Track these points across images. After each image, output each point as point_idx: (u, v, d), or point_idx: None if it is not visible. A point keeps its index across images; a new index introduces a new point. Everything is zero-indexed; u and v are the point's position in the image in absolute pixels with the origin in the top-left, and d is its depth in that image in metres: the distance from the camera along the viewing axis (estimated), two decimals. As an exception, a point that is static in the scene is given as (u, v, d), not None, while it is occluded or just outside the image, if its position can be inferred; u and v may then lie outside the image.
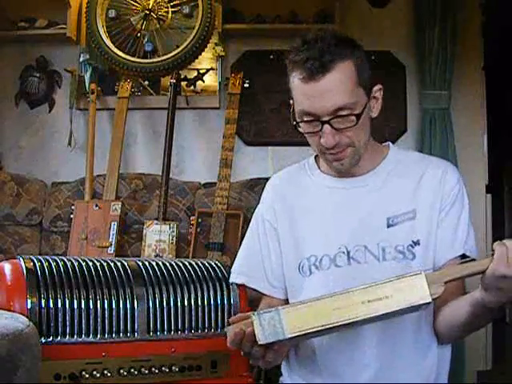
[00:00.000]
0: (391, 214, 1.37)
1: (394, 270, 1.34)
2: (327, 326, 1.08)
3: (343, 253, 1.38)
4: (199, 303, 1.54)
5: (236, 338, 1.17)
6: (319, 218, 1.43)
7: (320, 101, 1.30)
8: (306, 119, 1.34)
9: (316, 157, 1.53)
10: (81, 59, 3.44)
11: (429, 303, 1.09)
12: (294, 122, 1.38)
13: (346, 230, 1.39)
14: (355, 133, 1.33)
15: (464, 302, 1.25)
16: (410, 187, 1.40)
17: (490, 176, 3.51)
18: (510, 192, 5.17)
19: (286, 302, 1.49)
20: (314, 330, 1.08)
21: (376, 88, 1.40)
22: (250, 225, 1.57)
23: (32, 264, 1.46)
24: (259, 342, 1.09)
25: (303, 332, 1.08)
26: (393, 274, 1.33)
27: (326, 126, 1.31)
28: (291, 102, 1.43)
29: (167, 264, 1.61)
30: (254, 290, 1.52)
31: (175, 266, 1.60)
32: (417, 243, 1.36)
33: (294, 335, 1.08)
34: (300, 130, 1.38)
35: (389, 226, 1.36)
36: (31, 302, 1.39)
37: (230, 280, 1.56)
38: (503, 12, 3.42)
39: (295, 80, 1.35)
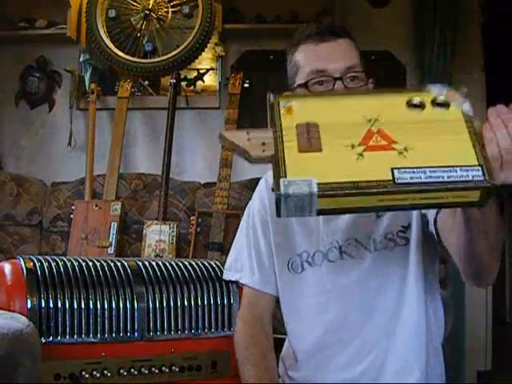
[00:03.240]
0: None
1: (387, 258, 1.35)
2: (366, 210, 0.95)
3: (335, 247, 1.39)
4: (199, 303, 1.54)
5: None
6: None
7: (332, 58, 1.33)
8: (317, 79, 1.34)
9: None
10: (81, 59, 3.44)
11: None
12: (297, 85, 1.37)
13: (338, 227, 1.40)
14: None
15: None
16: None
17: (490, 176, 3.50)
18: (510, 192, 5.17)
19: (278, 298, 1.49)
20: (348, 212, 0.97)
21: (370, 81, 1.41)
22: (242, 220, 1.57)
23: (32, 264, 1.46)
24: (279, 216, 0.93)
25: (335, 212, 0.96)
26: (385, 263, 1.35)
27: (338, 82, 1.31)
28: (288, 94, 1.41)
29: (167, 264, 1.61)
30: (245, 285, 1.52)
31: (175, 266, 1.60)
32: (408, 227, 1.36)
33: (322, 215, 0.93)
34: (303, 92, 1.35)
35: (378, 216, 1.36)
36: (31, 302, 1.39)
37: (224, 277, 1.56)
38: (503, 12, 3.42)
39: (304, 48, 1.38)
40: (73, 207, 3.13)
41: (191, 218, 3.18)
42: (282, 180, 0.86)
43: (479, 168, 0.88)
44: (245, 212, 1.57)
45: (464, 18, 3.43)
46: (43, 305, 1.40)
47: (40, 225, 3.33)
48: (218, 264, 1.64)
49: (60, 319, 1.41)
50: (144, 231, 3.05)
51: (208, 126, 3.57)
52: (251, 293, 1.50)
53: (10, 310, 1.35)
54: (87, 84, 3.41)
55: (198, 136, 3.58)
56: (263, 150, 0.92)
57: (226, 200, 3.09)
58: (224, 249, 3.01)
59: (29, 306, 1.38)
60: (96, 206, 3.09)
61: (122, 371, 1.46)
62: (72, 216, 3.11)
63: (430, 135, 0.90)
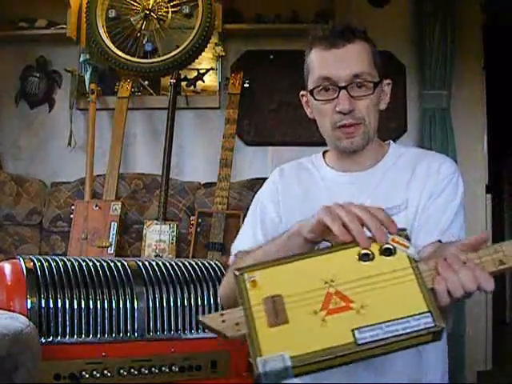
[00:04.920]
0: (387, 206, 1.35)
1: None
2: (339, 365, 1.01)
3: None
4: (199, 303, 1.54)
5: None
6: (319, 204, 1.42)
7: (339, 66, 1.34)
8: (322, 87, 1.35)
9: (324, 153, 1.54)
10: (81, 59, 3.44)
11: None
12: (308, 92, 1.39)
13: None
14: (368, 108, 1.36)
15: None
16: (405, 178, 1.41)
17: (490, 176, 3.51)
18: (510, 192, 5.17)
19: None
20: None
21: (386, 81, 1.43)
22: (250, 208, 1.53)
23: (32, 264, 1.46)
24: None
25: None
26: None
27: (343, 92, 1.33)
28: (303, 93, 1.44)
29: (167, 264, 1.61)
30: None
31: (175, 266, 1.60)
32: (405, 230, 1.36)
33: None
34: (313, 102, 1.38)
35: None
36: (31, 302, 1.39)
37: (230, 261, 1.53)
38: (503, 12, 3.42)
39: (316, 52, 1.37)
40: (73, 207, 3.13)
41: (191, 218, 3.18)
42: (258, 359, 0.97)
43: (428, 314, 0.99)
44: (254, 199, 1.54)
45: (464, 17, 3.43)
46: (43, 305, 1.40)
47: (40, 225, 3.33)
48: (218, 264, 1.64)
49: (60, 319, 1.41)
50: (144, 231, 3.05)
51: (208, 126, 3.57)
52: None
53: (10, 310, 1.35)
54: (87, 84, 3.41)
55: (197, 136, 3.58)
56: (237, 330, 1.02)
57: (226, 200, 3.09)
58: (224, 249, 3.01)
59: (29, 306, 1.38)
60: (96, 205, 3.09)
61: (122, 371, 1.46)
62: (72, 216, 3.11)
63: (382, 289, 1.02)
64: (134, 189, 3.34)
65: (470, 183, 3.11)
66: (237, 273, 1.06)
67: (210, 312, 1.54)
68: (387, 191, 1.40)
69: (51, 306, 1.40)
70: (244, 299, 1.04)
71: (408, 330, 0.98)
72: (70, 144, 3.48)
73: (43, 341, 1.36)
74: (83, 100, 3.51)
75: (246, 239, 1.47)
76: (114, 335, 1.45)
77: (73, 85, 3.51)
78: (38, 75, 3.61)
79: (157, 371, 1.48)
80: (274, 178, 1.54)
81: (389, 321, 0.99)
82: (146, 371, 1.47)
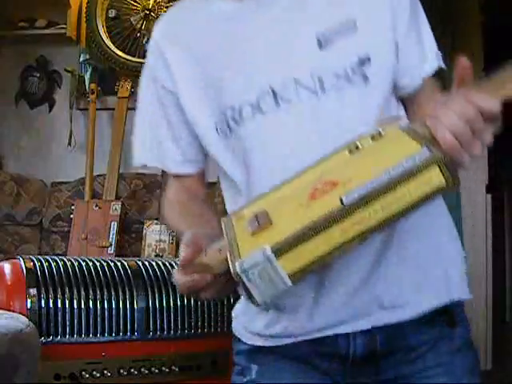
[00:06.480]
0: (321, 30, 0.99)
1: (339, 102, 0.99)
2: (337, 249, 0.78)
3: (267, 93, 0.99)
4: (199, 303, 1.54)
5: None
6: (227, 53, 1.04)
7: None
8: None
9: None
10: (81, 59, 3.44)
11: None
12: None
13: (264, 63, 1.01)
14: None
15: None
16: None
17: (490, 176, 3.51)
18: (510, 192, 5.17)
19: (200, 176, 1.17)
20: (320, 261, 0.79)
21: None
22: (139, 97, 1.26)
23: (32, 264, 1.46)
24: (258, 304, 0.80)
25: (309, 269, 0.78)
26: (337, 109, 0.99)
27: None
28: None
29: (167, 264, 1.61)
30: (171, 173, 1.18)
31: (175, 266, 1.60)
32: (366, 60, 0.99)
33: (297, 279, 0.79)
34: None
35: (321, 46, 0.99)
36: (31, 302, 1.39)
37: (135, 164, 1.21)
38: (503, 12, 3.42)
39: None
40: (73, 207, 3.14)
41: (191, 218, 3.18)
42: (236, 263, 0.79)
43: (425, 148, 0.77)
44: (140, 85, 1.24)
45: (464, 17, 3.43)
46: (43, 305, 1.40)
47: (40, 225, 3.33)
48: (218, 264, 1.64)
49: (60, 319, 1.41)
50: (144, 231, 3.06)
51: (208, 125, 3.57)
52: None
53: (10, 310, 1.36)
54: (87, 84, 3.41)
55: (197, 136, 3.58)
56: (220, 256, 0.84)
57: (226, 200, 3.09)
58: (224, 249, 3.01)
59: (29, 305, 1.39)
60: (96, 205, 3.10)
61: (122, 371, 1.46)
62: (72, 216, 3.11)
63: (373, 155, 0.84)
64: (134, 189, 3.34)
65: (470, 183, 3.11)
66: (224, 220, 0.90)
67: (209, 312, 1.55)
68: (317, 7, 1.01)
69: (51, 306, 1.40)
70: (228, 229, 0.87)
71: (400, 171, 0.76)
72: (70, 144, 3.48)
73: (43, 341, 1.36)
74: (83, 100, 3.51)
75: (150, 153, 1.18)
76: (113, 335, 1.45)
77: (73, 85, 3.52)
78: (37, 75, 3.61)
79: (157, 371, 1.49)
80: (154, 48, 1.15)
81: (379, 174, 0.77)
82: (146, 371, 1.47)
